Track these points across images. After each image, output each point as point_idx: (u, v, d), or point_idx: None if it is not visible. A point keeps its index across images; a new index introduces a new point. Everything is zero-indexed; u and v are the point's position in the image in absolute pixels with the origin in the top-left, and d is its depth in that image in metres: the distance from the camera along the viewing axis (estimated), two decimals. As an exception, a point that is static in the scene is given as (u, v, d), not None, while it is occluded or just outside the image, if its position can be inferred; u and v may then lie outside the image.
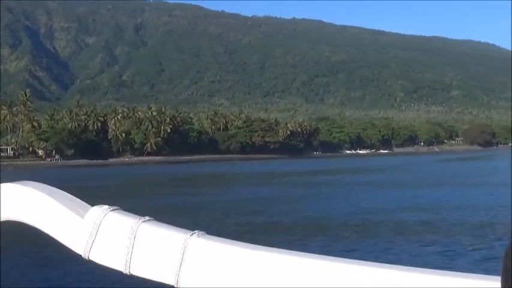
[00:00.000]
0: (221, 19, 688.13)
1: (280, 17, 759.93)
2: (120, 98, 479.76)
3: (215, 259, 1.73)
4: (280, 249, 1.72)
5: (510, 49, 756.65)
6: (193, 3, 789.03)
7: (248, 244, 1.76)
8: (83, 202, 1.96)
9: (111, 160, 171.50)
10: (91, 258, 1.85)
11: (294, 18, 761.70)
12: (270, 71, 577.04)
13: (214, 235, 1.79)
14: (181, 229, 1.84)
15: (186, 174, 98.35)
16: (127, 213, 1.90)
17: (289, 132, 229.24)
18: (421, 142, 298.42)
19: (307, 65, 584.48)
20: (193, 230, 1.80)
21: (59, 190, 2.05)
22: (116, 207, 1.90)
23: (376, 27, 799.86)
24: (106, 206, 1.90)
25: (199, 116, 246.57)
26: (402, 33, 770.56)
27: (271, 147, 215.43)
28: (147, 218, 1.86)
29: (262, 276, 1.67)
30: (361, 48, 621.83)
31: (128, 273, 1.83)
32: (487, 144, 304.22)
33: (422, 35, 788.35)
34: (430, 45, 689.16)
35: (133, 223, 1.83)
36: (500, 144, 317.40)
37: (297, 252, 1.68)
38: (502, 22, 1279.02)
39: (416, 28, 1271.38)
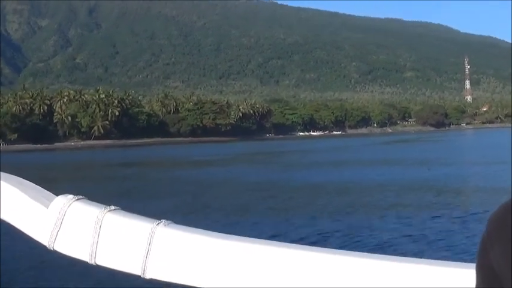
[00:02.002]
0: (176, 1, 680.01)
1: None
2: (73, 81, 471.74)
3: (182, 248, 1.72)
4: (246, 238, 1.72)
5: (462, 31, 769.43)
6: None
7: (215, 233, 1.75)
8: (47, 191, 1.92)
9: (56, 144, 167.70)
10: (56, 248, 1.82)
11: (248, 0, 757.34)
12: (225, 53, 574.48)
13: (181, 224, 1.78)
14: (147, 218, 1.82)
15: (127, 159, 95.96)
16: (92, 202, 1.87)
17: (241, 115, 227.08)
18: (374, 123, 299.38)
19: (262, 47, 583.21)
20: (159, 219, 1.78)
21: (23, 179, 2.01)
22: (81, 197, 1.87)
23: (331, 9, 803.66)
24: (71, 196, 1.86)
25: (150, 98, 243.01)
26: (357, 15, 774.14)
27: (223, 129, 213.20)
28: (112, 207, 1.84)
29: (230, 265, 1.66)
30: (316, 30, 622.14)
31: (94, 264, 1.80)
32: (439, 125, 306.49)
33: (377, 16, 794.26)
34: (384, 27, 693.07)
35: (98, 212, 1.80)
36: (452, 125, 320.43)
37: (263, 240, 1.69)
38: (455, 4, 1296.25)
39: (370, 10, 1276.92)
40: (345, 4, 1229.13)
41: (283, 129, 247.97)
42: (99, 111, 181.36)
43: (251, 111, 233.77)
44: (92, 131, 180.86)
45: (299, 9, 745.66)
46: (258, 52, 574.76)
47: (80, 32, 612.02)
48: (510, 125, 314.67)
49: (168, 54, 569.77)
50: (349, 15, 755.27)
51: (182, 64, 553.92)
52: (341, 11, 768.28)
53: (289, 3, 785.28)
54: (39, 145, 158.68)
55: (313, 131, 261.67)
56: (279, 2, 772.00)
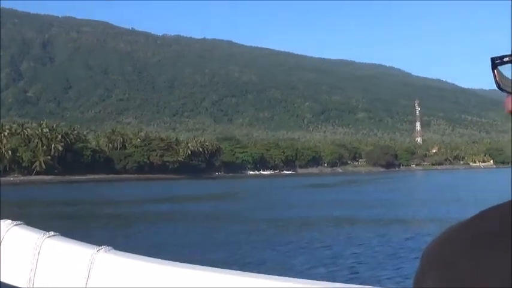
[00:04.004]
0: (131, 37, 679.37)
1: (190, 37, 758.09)
2: (24, 114, 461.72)
3: (123, 274, 1.69)
4: (187, 264, 1.72)
5: (413, 74, 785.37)
6: (103, 19, 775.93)
7: (156, 259, 1.76)
8: None
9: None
10: None
11: (204, 38, 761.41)
12: (179, 90, 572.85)
13: (121, 250, 1.76)
14: (87, 244, 1.80)
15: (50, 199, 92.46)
16: (31, 228, 1.84)
17: (189, 152, 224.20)
18: (324, 163, 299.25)
19: (216, 85, 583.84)
20: (100, 245, 1.76)
21: None
22: (19, 222, 1.83)
23: (286, 49, 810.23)
24: (9, 221, 1.82)
25: (98, 134, 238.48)
26: (311, 55, 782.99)
27: (170, 167, 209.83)
28: (52, 233, 1.80)
29: None
30: (270, 70, 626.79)
31: None
32: (389, 165, 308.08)
33: (330, 58, 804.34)
34: (337, 68, 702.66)
35: (37, 238, 1.75)
36: (402, 166, 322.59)
37: (204, 267, 1.70)
38: (407, 48, 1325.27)
39: (324, 51, 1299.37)
40: (299, 45, 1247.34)
41: (233, 167, 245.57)
42: (42, 146, 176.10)
43: (200, 149, 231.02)
44: (34, 166, 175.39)
45: (254, 48, 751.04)
46: (212, 90, 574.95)
47: (33, 66, 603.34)
48: (458, 167, 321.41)
49: (121, 90, 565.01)
50: (304, 55, 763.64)
51: (136, 100, 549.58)
52: (296, 52, 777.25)
53: (245, 43, 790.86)
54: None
55: (264, 170, 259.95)
56: (235, 41, 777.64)
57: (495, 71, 1.29)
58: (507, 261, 1.01)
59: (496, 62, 1.28)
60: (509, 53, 1.23)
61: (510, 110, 1.24)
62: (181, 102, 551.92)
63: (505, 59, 1.27)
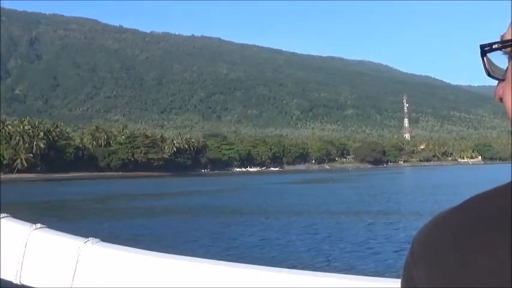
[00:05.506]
0: (119, 34, 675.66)
1: (179, 34, 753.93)
2: (12, 112, 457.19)
3: (110, 266, 1.69)
4: (174, 255, 1.73)
5: (402, 70, 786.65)
6: (90, 17, 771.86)
7: (144, 251, 1.76)
8: None
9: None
10: None
11: (192, 35, 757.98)
12: (167, 88, 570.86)
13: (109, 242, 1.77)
14: (75, 236, 1.79)
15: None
16: (18, 220, 1.81)
17: (175, 149, 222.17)
18: (312, 160, 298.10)
19: (204, 82, 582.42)
20: (87, 237, 1.75)
21: None
22: (5, 215, 1.81)
23: (274, 46, 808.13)
24: None
25: (82, 131, 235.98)
26: (299, 52, 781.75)
27: (155, 164, 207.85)
28: (39, 225, 1.80)
29: (158, 282, 1.66)
30: (259, 67, 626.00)
31: (19, 284, 1.73)
32: (377, 162, 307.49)
33: (319, 55, 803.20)
34: (326, 65, 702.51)
35: (24, 231, 1.74)
36: (390, 162, 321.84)
37: (190, 257, 1.71)
38: (395, 44, 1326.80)
39: (313, 48, 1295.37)
40: (287, 42, 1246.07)
41: (220, 164, 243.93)
42: (23, 143, 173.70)
43: (186, 146, 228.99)
44: (15, 164, 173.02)
45: (243, 45, 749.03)
46: (201, 87, 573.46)
47: (20, 63, 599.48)
48: (446, 163, 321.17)
49: (109, 87, 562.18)
50: (292, 52, 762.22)
51: (124, 97, 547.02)
52: (284, 49, 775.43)
53: (233, 40, 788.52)
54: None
55: (250, 167, 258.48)
56: (223, 38, 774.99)
57: (484, 58, 1.24)
58: (496, 249, 0.99)
59: (485, 49, 1.23)
60: (499, 40, 1.17)
61: (500, 97, 1.21)
62: (169, 100, 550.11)
63: (494, 46, 1.21)
